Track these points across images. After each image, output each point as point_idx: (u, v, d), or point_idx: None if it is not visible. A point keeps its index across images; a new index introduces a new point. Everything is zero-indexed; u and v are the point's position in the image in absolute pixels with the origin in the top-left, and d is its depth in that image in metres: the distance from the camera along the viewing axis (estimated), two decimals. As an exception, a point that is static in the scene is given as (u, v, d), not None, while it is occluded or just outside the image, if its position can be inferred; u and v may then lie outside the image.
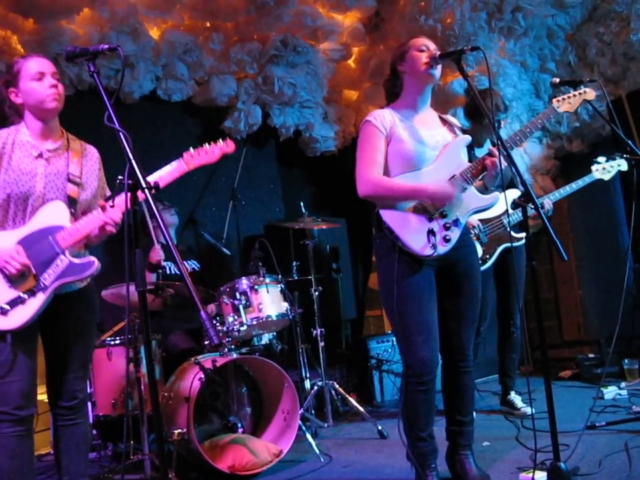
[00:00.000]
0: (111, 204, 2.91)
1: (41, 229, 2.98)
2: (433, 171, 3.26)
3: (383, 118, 3.28)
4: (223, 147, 3.35)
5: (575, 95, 3.42)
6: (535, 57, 6.54)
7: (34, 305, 2.92)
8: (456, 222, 3.26)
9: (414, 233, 3.19)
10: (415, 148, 3.24)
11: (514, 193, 4.59)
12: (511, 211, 4.72)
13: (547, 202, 4.75)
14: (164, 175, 3.13)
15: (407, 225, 3.20)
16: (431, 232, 3.19)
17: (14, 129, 3.09)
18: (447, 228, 3.23)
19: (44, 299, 2.94)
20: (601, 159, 4.93)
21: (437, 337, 3.22)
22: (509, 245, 4.76)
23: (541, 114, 3.39)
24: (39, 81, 3.00)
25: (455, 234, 3.25)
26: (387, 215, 3.23)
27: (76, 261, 3.00)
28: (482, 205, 3.35)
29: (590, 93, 3.44)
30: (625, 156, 3.96)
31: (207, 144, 3.30)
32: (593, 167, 4.92)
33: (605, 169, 4.89)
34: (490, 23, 6.11)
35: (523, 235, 4.79)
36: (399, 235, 3.18)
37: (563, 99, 3.40)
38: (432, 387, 3.22)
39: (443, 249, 3.20)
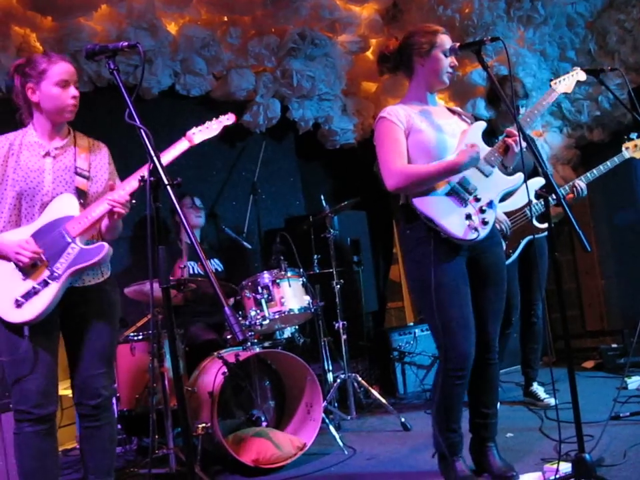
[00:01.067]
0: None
1: (51, 222, 3.02)
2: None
3: (397, 112, 3.26)
4: (224, 120, 3.35)
5: (571, 76, 3.53)
6: (554, 46, 6.48)
7: (48, 295, 2.94)
8: (490, 204, 3.26)
9: (452, 219, 3.16)
10: (436, 136, 3.22)
11: (537, 183, 4.54)
12: (534, 201, 4.68)
13: (579, 183, 4.63)
14: (169, 157, 3.13)
15: (444, 212, 3.17)
16: (468, 216, 3.18)
17: (21, 131, 3.12)
18: (482, 211, 3.23)
19: (57, 289, 2.95)
20: (633, 135, 4.70)
21: (473, 330, 3.22)
22: (531, 236, 4.72)
23: (543, 97, 3.45)
24: (62, 88, 3.02)
25: (491, 215, 3.25)
26: (422, 203, 3.18)
27: (87, 247, 3.02)
28: (509, 186, 3.36)
29: (581, 74, 3.57)
30: None
31: (207, 121, 3.33)
32: (624, 145, 4.70)
33: (638, 146, 4.65)
34: (509, 11, 6.07)
35: (546, 225, 4.73)
36: (438, 222, 3.14)
37: (559, 81, 3.50)
38: (467, 380, 3.24)
39: (483, 231, 3.21)
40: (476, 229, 3.18)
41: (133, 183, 2.99)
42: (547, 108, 3.52)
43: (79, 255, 2.99)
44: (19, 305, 2.90)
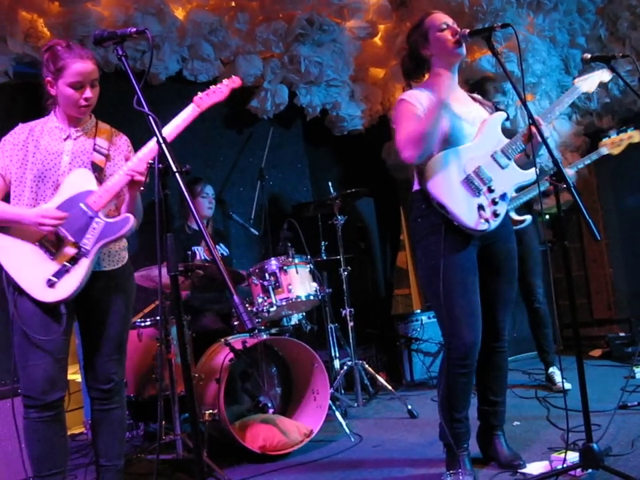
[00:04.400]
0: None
1: (70, 198, 3.00)
2: (474, 147, 3.24)
3: (418, 95, 3.25)
4: (230, 83, 3.30)
5: (593, 76, 3.49)
6: (564, 32, 6.44)
7: (80, 271, 2.94)
8: (503, 196, 3.24)
9: (465, 208, 3.15)
10: (454, 122, 3.21)
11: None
12: (514, 194, 4.66)
13: (568, 171, 4.67)
14: (179, 122, 3.12)
15: (457, 200, 3.16)
16: (480, 207, 3.17)
17: (43, 119, 3.13)
18: (494, 202, 3.21)
19: (88, 265, 2.96)
20: (613, 133, 4.81)
21: (480, 319, 3.21)
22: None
23: (565, 94, 3.44)
24: (76, 90, 3.00)
25: (503, 208, 3.24)
26: (436, 190, 3.16)
27: (111, 220, 3.03)
28: (524, 180, 3.35)
29: (605, 75, 3.50)
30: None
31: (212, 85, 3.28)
32: (600, 143, 4.81)
33: (614, 142, 4.74)
34: (519, -3, 6.03)
35: (525, 217, 4.69)
36: (451, 210, 3.13)
37: (583, 79, 3.48)
38: (473, 369, 3.23)
39: (494, 223, 3.20)
40: (487, 220, 3.16)
41: (146, 152, 2.99)
42: (567, 106, 3.51)
43: (105, 228, 3.00)
44: (51, 284, 2.89)
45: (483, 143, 3.26)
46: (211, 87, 3.26)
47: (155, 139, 2.29)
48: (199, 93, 3.22)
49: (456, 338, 3.16)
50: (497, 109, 3.45)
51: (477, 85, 5.64)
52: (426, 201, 3.21)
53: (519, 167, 3.34)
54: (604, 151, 4.78)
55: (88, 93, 3.02)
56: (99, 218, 3.00)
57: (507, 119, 3.39)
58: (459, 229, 3.16)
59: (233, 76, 3.36)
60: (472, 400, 3.34)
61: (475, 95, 3.52)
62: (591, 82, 3.49)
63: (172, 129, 3.08)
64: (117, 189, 3.00)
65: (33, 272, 2.92)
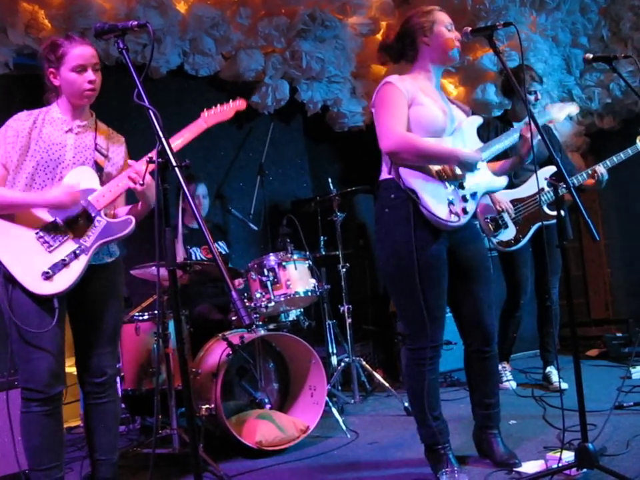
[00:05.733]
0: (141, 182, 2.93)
1: None
2: (450, 142, 3.26)
3: (404, 81, 3.22)
4: (236, 104, 3.40)
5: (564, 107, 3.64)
6: (566, 32, 6.44)
7: (78, 267, 2.95)
8: (473, 195, 3.27)
9: (436, 199, 3.14)
10: (437, 114, 3.21)
11: (550, 170, 4.53)
12: (546, 189, 4.69)
13: (599, 168, 4.66)
14: (187, 134, 3.16)
15: (429, 190, 3.14)
16: (450, 201, 3.17)
17: (46, 108, 3.12)
18: (464, 200, 3.22)
19: (86, 261, 2.97)
20: None
21: (444, 317, 3.24)
22: (541, 223, 4.73)
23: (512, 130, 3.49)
24: (79, 73, 3.00)
25: (472, 206, 3.25)
26: (409, 176, 3.13)
27: (114, 220, 3.04)
28: (494, 186, 3.43)
29: (573, 108, 3.68)
30: None
31: (219, 104, 3.37)
32: (638, 138, 4.74)
33: None
34: (521, -4, 6.03)
35: (554, 213, 4.72)
36: (422, 198, 3.10)
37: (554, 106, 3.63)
38: (437, 367, 3.25)
39: (463, 219, 3.20)
40: (457, 215, 3.16)
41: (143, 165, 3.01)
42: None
43: (106, 228, 3.01)
44: (48, 277, 2.90)
45: (458, 142, 3.28)
46: (218, 105, 3.34)
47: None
48: (205, 110, 3.30)
49: (423, 336, 3.15)
50: (474, 114, 3.49)
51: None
52: (396, 191, 3.16)
53: (502, 174, 3.41)
54: None
55: (91, 74, 3.02)
56: (100, 217, 3.01)
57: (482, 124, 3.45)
58: (428, 223, 3.13)
59: (239, 99, 3.45)
60: (465, 402, 3.34)
61: (452, 99, 3.53)
62: (559, 111, 3.57)
63: (179, 141, 3.12)
64: (120, 190, 3.03)
65: (29, 263, 2.92)
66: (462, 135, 3.32)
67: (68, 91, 3.04)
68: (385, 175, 3.27)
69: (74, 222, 2.99)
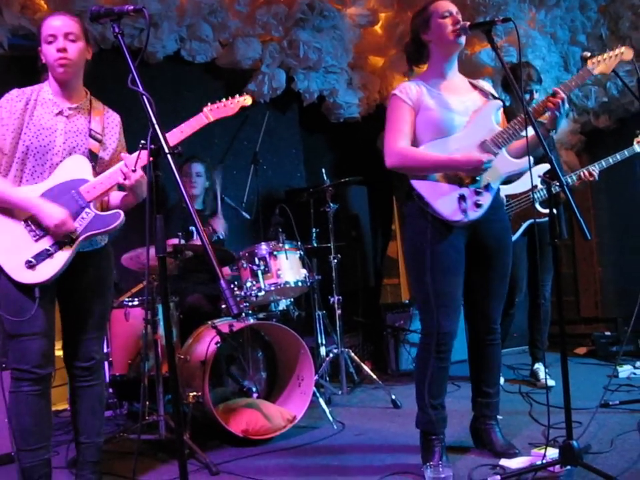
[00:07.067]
0: (133, 168, 2.91)
1: (63, 183, 2.99)
2: (462, 137, 3.25)
3: (409, 89, 3.27)
4: (242, 101, 3.39)
5: (611, 57, 3.25)
6: (565, 29, 6.43)
7: (62, 257, 2.93)
8: (487, 187, 3.25)
9: (444, 199, 3.18)
10: (443, 115, 3.23)
11: (544, 168, 4.52)
12: (540, 186, 4.69)
13: (593, 170, 4.67)
14: (186, 128, 3.13)
15: (438, 191, 3.20)
16: (461, 197, 3.19)
17: (37, 87, 3.08)
18: (477, 193, 3.22)
19: (71, 252, 2.95)
20: None
21: (459, 309, 3.28)
22: (532, 220, 4.73)
23: (575, 76, 3.27)
24: (49, 44, 2.96)
25: (486, 199, 3.25)
26: (419, 183, 3.24)
27: (102, 213, 3.02)
28: (514, 169, 3.35)
29: (627, 53, 3.27)
30: None
31: (224, 99, 3.34)
32: (636, 140, 4.74)
33: None
34: (521, -9, 6.01)
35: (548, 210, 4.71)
36: (429, 201, 3.18)
37: (598, 61, 3.25)
38: (448, 356, 3.28)
39: (474, 214, 3.20)
40: (465, 211, 3.18)
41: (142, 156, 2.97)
42: (573, 90, 3.31)
43: (94, 220, 2.99)
44: (31, 265, 2.88)
45: (472, 133, 3.26)
46: (222, 100, 3.31)
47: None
48: (209, 104, 3.27)
49: (431, 325, 3.21)
50: (495, 98, 3.43)
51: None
52: (410, 191, 3.28)
53: (518, 155, 3.34)
54: (637, 148, 4.73)
55: (60, 43, 2.94)
56: (89, 209, 2.99)
57: (503, 106, 3.37)
58: (442, 219, 3.19)
59: (246, 95, 3.44)
60: (465, 391, 3.36)
61: (478, 82, 3.48)
62: (608, 62, 3.25)
63: (177, 134, 3.08)
64: (112, 183, 3.00)
65: (16, 252, 2.91)
66: (477, 124, 3.28)
67: (49, 65, 3.00)
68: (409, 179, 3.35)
69: None
